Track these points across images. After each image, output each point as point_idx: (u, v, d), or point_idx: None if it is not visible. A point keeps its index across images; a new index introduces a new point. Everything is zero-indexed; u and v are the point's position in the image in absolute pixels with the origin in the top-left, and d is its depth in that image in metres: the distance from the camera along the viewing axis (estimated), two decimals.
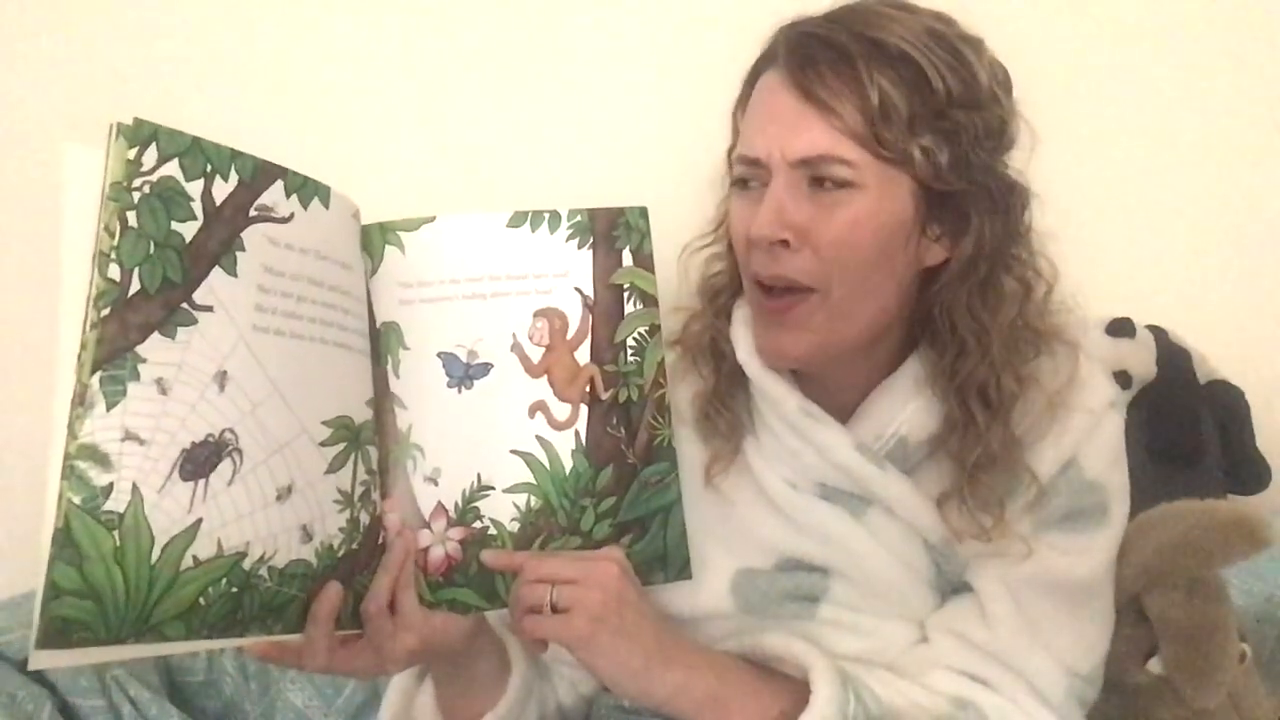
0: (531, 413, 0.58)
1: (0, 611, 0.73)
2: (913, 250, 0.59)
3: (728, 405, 0.65)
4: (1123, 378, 0.83)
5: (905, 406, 0.62)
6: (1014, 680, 0.61)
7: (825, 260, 0.57)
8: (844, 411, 0.64)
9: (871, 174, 0.56)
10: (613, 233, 0.59)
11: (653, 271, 0.60)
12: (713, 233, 0.68)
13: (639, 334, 0.60)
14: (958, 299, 0.59)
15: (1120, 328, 0.86)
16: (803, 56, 0.56)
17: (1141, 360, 0.84)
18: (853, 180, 0.56)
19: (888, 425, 0.63)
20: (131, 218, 0.44)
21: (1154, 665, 0.66)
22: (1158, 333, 0.87)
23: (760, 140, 0.58)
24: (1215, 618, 0.65)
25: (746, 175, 0.60)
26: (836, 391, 0.64)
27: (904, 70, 0.55)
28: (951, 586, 0.66)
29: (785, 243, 0.57)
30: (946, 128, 0.55)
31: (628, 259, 0.60)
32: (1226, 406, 0.85)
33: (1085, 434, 0.62)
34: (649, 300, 0.60)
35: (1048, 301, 0.62)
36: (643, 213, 0.60)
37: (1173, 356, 0.86)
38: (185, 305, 0.46)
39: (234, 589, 0.46)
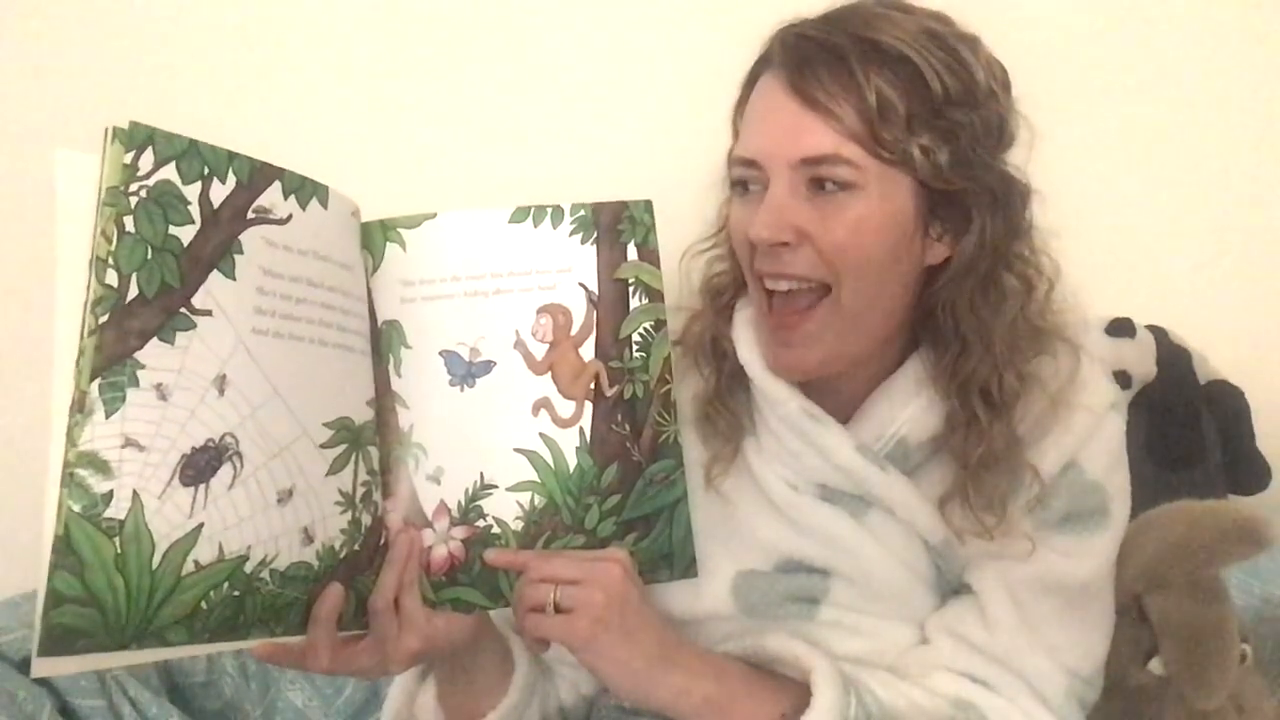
0: (535, 410, 0.58)
1: (0, 611, 0.73)
2: (916, 250, 0.59)
3: (728, 406, 0.65)
4: (1123, 378, 0.83)
5: (906, 407, 0.62)
6: (1014, 682, 0.62)
7: (829, 261, 0.57)
8: (844, 412, 0.64)
9: (872, 174, 0.55)
10: (617, 227, 0.59)
11: (658, 266, 0.60)
12: (714, 236, 0.68)
13: (644, 329, 0.59)
14: (960, 297, 0.59)
15: (1120, 328, 0.86)
16: (799, 59, 0.56)
17: (1141, 360, 0.84)
18: (854, 181, 0.56)
19: (888, 426, 0.62)
20: (129, 222, 0.44)
21: (1154, 666, 0.67)
22: (1158, 333, 0.87)
23: (758, 142, 0.58)
24: (1216, 618, 0.65)
25: (745, 178, 0.60)
26: (838, 392, 0.64)
27: (900, 70, 0.55)
28: (951, 588, 0.66)
29: (785, 243, 0.57)
30: (945, 126, 0.55)
31: (632, 253, 0.59)
32: (1226, 406, 0.85)
33: (1086, 434, 0.62)
34: (654, 295, 0.59)
35: (1049, 299, 0.62)
36: (648, 206, 0.60)
37: (1173, 356, 0.86)
38: (184, 310, 0.45)
39: (235, 593, 0.46)
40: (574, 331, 0.58)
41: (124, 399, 0.43)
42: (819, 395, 0.63)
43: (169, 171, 0.45)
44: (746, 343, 0.63)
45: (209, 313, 0.46)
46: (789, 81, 0.56)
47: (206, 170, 0.47)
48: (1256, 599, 0.77)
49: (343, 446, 0.53)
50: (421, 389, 0.57)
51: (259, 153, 0.49)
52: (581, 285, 0.58)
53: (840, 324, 0.58)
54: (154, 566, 0.43)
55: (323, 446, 0.51)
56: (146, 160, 0.44)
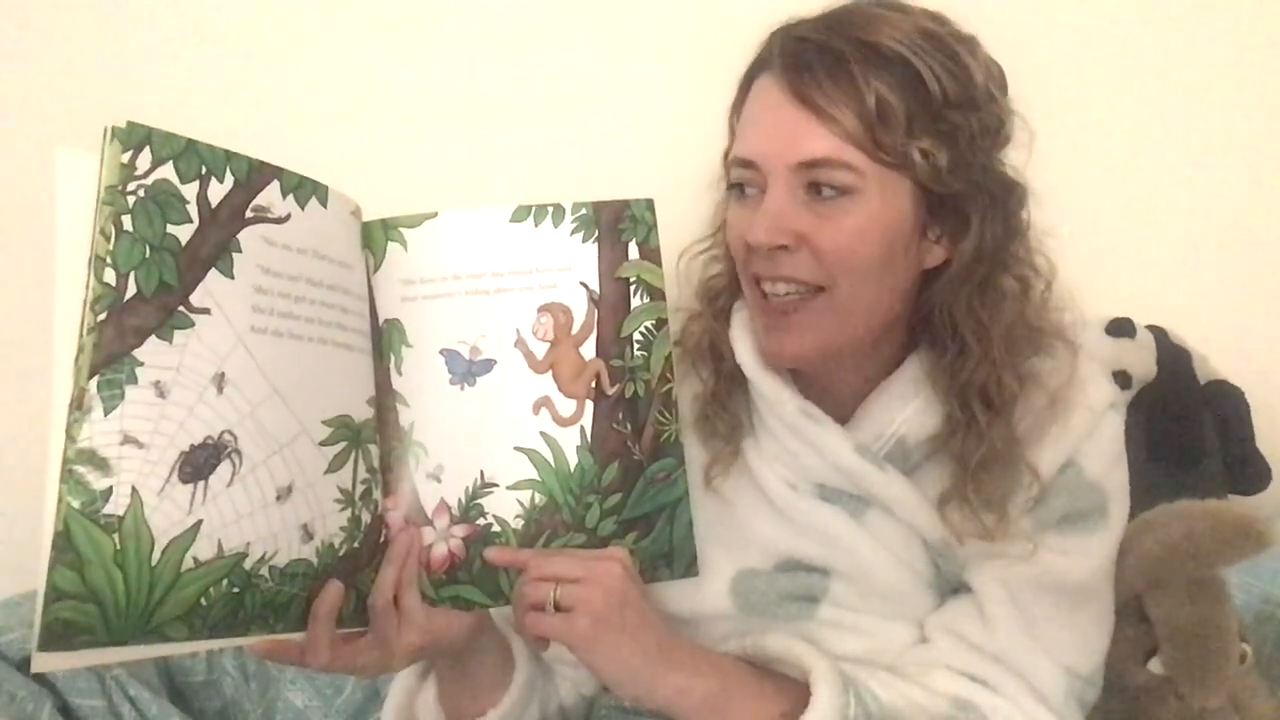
0: (536, 409, 0.58)
1: (0, 611, 0.73)
2: (914, 253, 0.59)
3: (726, 407, 0.65)
4: (1123, 378, 0.83)
5: (905, 407, 0.62)
6: (1014, 681, 0.61)
7: (827, 265, 0.57)
8: (843, 412, 0.64)
9: (872, 178, 0.55)
10: (619, 226, 0.59)
11: (660, 264, 0.60)
12: (711, 237, 0.68)
13: (645, 328, 0.59)
14: (958, 299, 0.59)
15: (1120, 328, 0.85)
16: (798, 62, 0.56)
17: (1141, 360, 0.84)
18: (853, 185, 0.55)
19: (887, 426, 0.62)
20: (126, 221, 0.44)
21: (1154, 665, 0.67)
22: (1158, 333, 0.87)
23: (757, 145, 0.58)
24: (1216, 618, 0.65)
25: (742, 180, 0.60)
26: (836, 393, 0.64)
27: (899, 73, 0.54)
28: (950, 587, 0.66)
29: (784, 247, 0.57)
30: (944, 129, 0.55)
31: (634, 252, 0.59)
32: (1226, 406, 0.84)
33: (1085, 434, 0.62)
34: (656, 294, 0.59)
35: (1046, 299, 0.62)
36: (649, 205, 0.59)
37: (1173, 356, 0.85)
38: (182, 308, 0.45)
39: (235, 589, 0.46)
40: (575, 330, 0.58)
41: (122, 396, 0.43)
42: (817, 396, 0.63)
43: (167, 171, 0.45)
44: (744, 344, 0.63)
45: (207, 311, 0.46)
46: (788, 84, 0.56)
47: (204, 169, 0.47)
48: (1256, 599, 0.76)
49: (342, 444, 0.53)
50: (422, 387, 0.57)
51: (262, 151, 0.49)
52: (582, 284, 0.58)
53: (834, 319, 0.58)
54: (153, 563, 0.43)
55: (322, 444, 0.52)
56: (144, 160, 0.45)
